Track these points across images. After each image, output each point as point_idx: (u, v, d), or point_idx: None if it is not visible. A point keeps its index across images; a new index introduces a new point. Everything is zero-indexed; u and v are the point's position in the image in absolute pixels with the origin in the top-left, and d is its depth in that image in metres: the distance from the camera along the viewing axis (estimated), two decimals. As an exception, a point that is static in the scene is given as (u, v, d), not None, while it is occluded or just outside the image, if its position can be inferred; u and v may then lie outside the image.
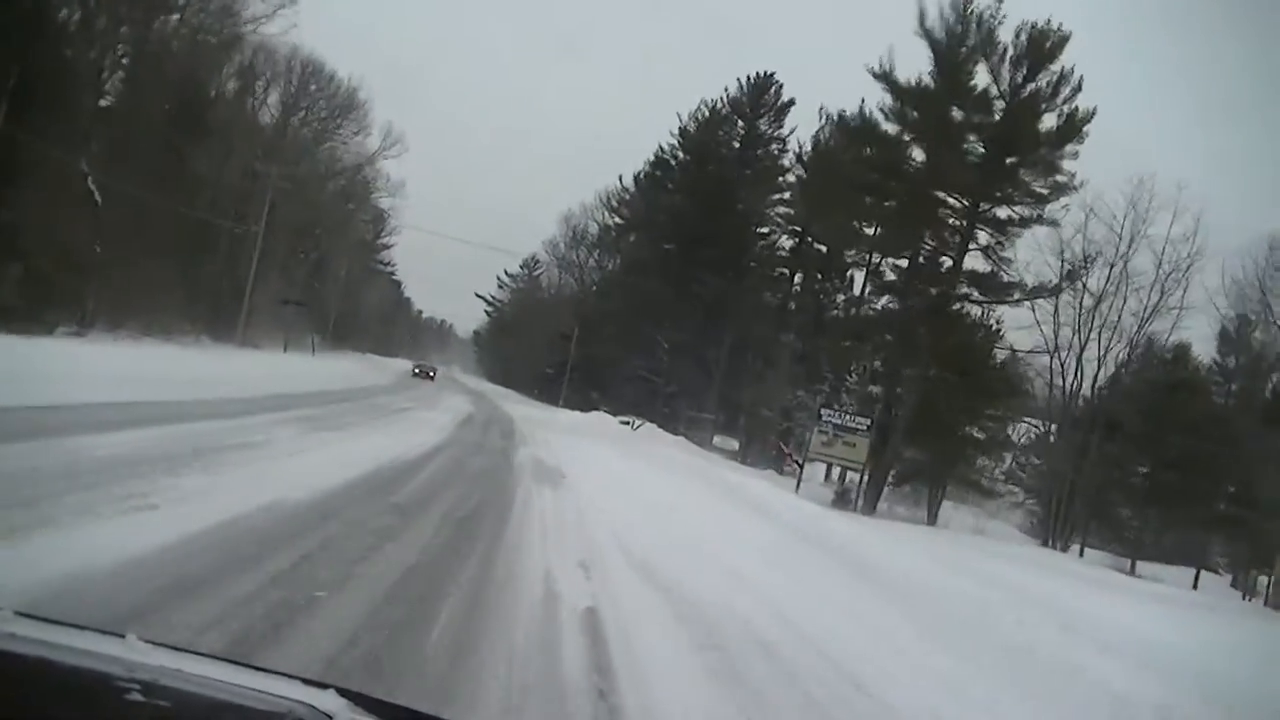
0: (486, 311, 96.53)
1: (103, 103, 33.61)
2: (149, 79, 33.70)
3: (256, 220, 40.56)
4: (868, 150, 32.51)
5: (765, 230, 46.53)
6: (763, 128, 46.41)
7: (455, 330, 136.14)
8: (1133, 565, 31.85)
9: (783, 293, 47.17)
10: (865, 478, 29.21)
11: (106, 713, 1.09)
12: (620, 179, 58.71)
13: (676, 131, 49.38)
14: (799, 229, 45.45)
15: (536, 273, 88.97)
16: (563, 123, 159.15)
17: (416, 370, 52.83)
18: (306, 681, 1.27)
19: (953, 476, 30.35)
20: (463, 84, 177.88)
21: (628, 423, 32.48)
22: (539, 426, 26.30)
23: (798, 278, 46.62)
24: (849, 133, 34.38)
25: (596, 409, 42.45)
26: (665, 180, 50.26)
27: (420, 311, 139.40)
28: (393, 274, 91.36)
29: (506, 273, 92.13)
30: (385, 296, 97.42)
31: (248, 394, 16.73)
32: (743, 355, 44.55)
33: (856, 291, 48.18)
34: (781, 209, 46.55)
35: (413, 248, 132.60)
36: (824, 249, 44.19)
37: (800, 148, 45.08)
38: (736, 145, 46.72)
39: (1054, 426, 35.04)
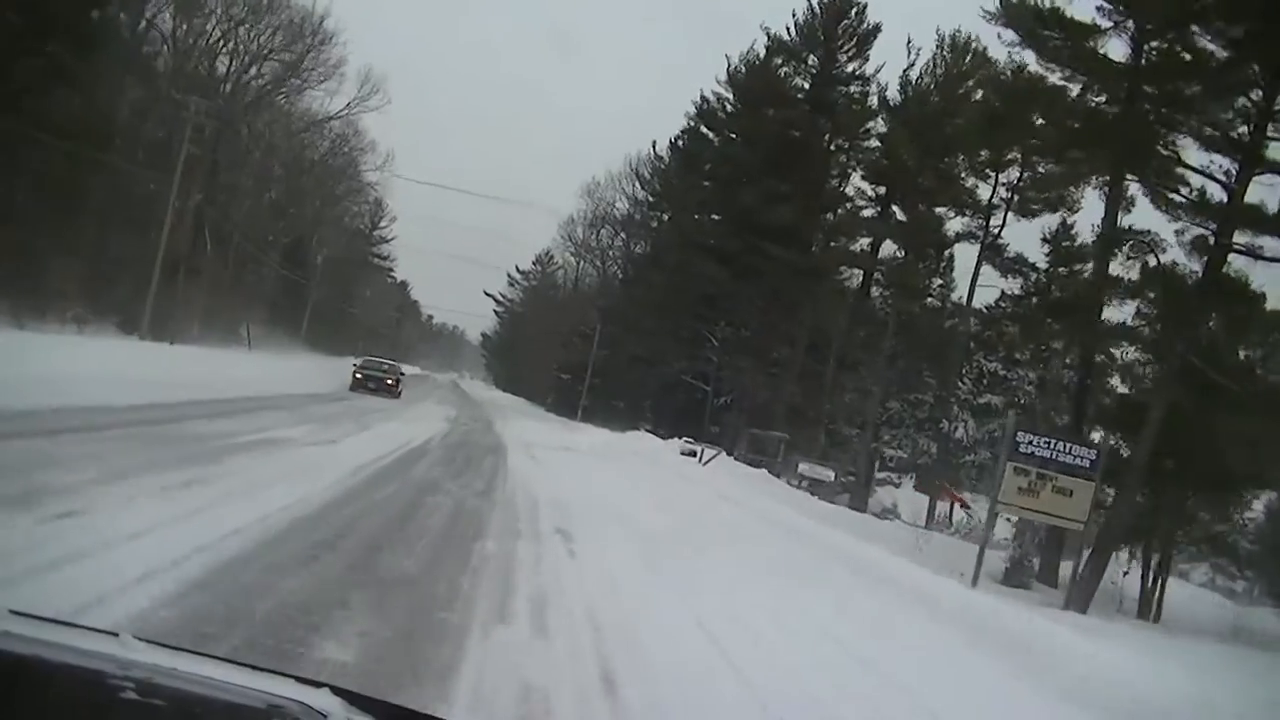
0: (496, 312, 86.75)
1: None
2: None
3: (186, 175, 30.58)
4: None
5: (847, 192, 36.24)
6: (841, 61, 36.15)
7: (467, 337, 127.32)
8: None
9: (864, 273, 36.82)
10: (1037, 537, 19.21)
11: (101, 711, 1.08)
12: (653, 145, 48.69)
13: (725, 77, 39.23)
14: (885, 190, 35.09)
15: (551, 269, 79.22)
16: (575, 100, 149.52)
17: (361, 375, 27.19)
18: (301, 680, 1.25)
19: (1191, 535, 19.91)
20: (466, 68, 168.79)
21: (692, 453, 21.73)
22: (550, 476, 14.84)
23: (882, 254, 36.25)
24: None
25: (636, 428, 32.38)
26: (712, 136, 40.04)
27: (430, 317, 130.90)
28: (391, 270, 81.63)
29: (518, 269, 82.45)
30: (383, 293, 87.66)
31: None
32: (819, 356, 34.23)
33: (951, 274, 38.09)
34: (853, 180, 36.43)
35: (416, 245, 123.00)
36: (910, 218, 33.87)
37: (884, 89, 34.90)
38: (807, 85, 36.47)
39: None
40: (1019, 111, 22.02)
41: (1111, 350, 21.90)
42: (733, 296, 34.25)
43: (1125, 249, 19.23)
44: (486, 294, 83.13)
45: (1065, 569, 19.29)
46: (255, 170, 41.46)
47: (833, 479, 24.70)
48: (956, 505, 25.50)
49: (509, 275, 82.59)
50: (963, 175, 32.95)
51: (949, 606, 9.10)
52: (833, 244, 34.92)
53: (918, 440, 35.05)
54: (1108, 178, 20.51)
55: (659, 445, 22.86)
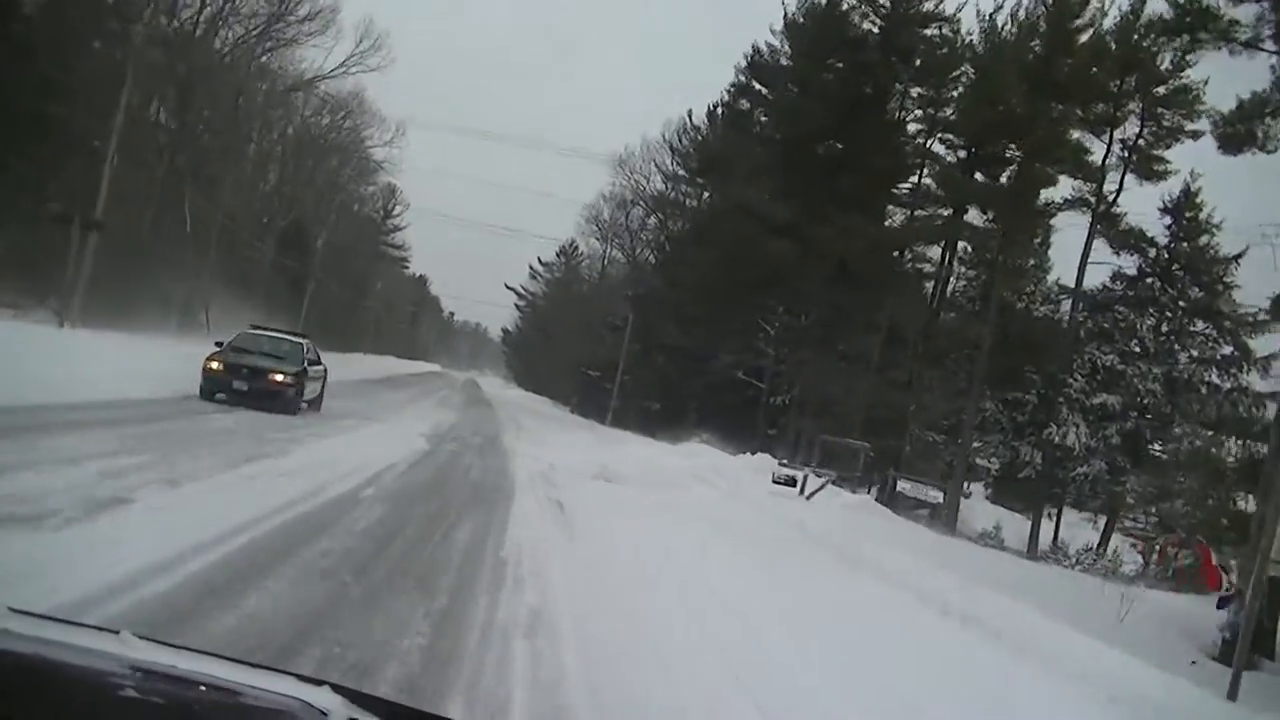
0: (517, 305, 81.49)
1: None
2: None
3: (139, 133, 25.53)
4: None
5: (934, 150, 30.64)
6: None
7: (489, 335, 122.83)
8: None
9: (944, 251, 31.21)
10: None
11: (101, 709, 1.07)
12: (689, 115, 43.18)
13: (780, 26, 33.66)
14: (973, 149, 29.43)
15: (576, 260, 73.97)
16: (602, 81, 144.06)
17: (217, 368, 13.82)
18: (301, 678, 1.25)
19: None
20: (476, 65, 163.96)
21: (790, 480, 15.70)
22: (594, 554, 7.92)
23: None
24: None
25: (682, 435, 26.97)
26: (766, 93, 34.55)
27: (451, 314, 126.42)
28: (405, 261, 76.73)
29: (540, 260, 77.23)
30: (399, 287, 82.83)
31: None
32: (896, 346, 28.66)
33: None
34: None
35: (435, 239, 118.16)
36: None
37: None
38: (877, 29, 30.82)
39: None
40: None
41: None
42: (793, 277, 28.70)
43: None
44: (507, 286, 77.95)
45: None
46: (241, 139, 36.41)
47: (941, 500, 19.10)
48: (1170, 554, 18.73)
49: (530, 267, 77.48)
50: (1069, 130, 27.32)
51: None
52: (918, 212, 29.25)
53: (1016, 448, 29.38)
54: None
55: (731, 466, 17.09)
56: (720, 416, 32.80)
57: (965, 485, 30.65)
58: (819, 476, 16.36)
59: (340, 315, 59.96)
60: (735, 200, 29.39)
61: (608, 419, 39.09)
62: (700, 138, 42.15)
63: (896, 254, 30.21)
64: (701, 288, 30.61)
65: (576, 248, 72.48)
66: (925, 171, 30.96)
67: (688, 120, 43.09)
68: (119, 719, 1.07)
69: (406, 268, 78.30)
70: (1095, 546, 24.53)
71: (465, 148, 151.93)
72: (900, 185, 31.10)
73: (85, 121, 23.62)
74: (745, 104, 35.70)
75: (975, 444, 28.51)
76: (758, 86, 34.82)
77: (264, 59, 33.50)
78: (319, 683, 1.22)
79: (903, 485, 19.21)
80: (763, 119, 34.36)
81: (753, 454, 24.96)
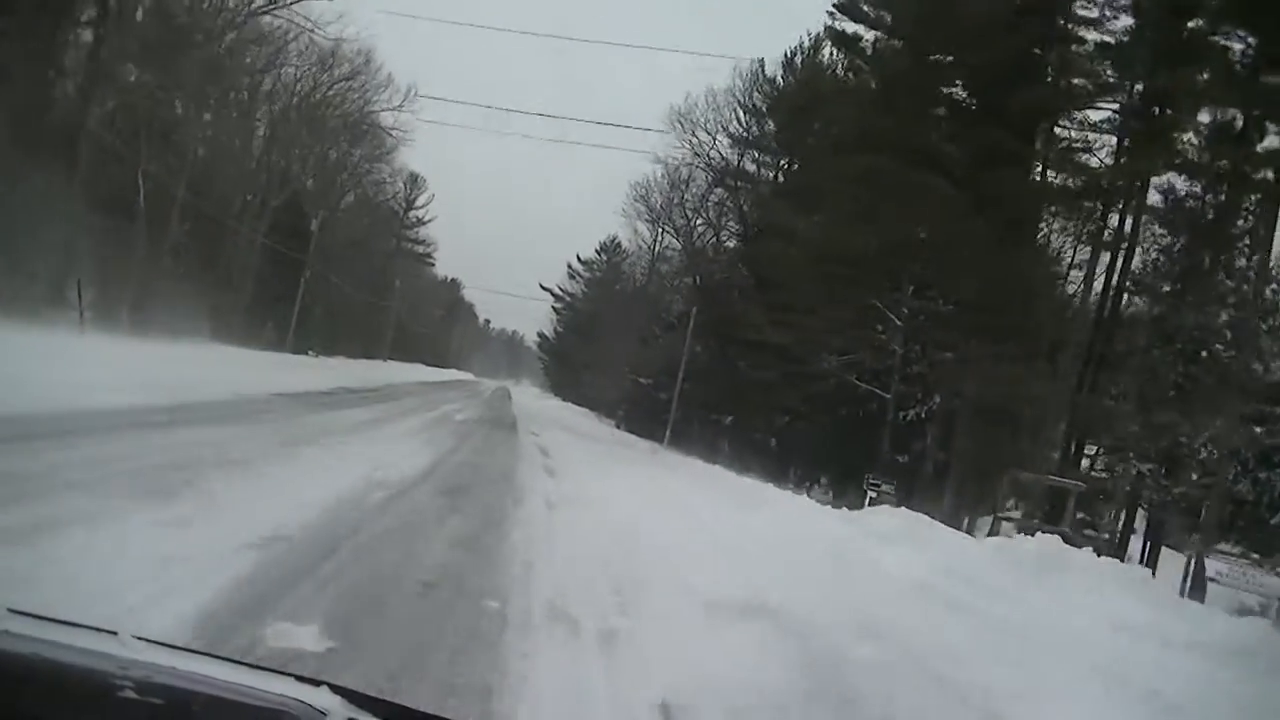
0: (554, 308, 73.95)
1: None
2: None
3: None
4: None
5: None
6: None
7: (526, 342, 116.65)
8: None
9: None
10: None
11: (100, 710, 1.07)
12: (760, 65, 34.94)
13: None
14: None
15: (618, 257, 66.45)
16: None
17: None
18: (300, 678, 1.22)
19: None
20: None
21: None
22: None
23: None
24: None
25: (801, 476, 18.92)
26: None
27: (488, 321, 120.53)
28: (430, 257, 69.41)
29: (579, 258, 69.92)
30: (425, 288, 75.52)
31: None
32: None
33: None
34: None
35: (461, 238, 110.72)
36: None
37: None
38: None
39: None
40: None
41: None
42: (934, 243, 20.40)
43: None
44: (543, 288, 70.43)
45: None
46: (213, 85, 29.01)
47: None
48: None
49: (569, 265, 70.24)
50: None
51: None
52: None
53: (1240, 479, 20.84)
54: None
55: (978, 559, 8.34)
56: (823, 436, 24.57)
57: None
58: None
59: (355, 316, 52.60)
60: (855, 143, 21.08)
61: (665, 437, 30.94)
62: (774, 89, 34.00)
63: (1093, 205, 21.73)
64: (801, 265, 22.28)
65: (619, 244, 64.93)
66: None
67: (759, 70, 34.94)
68: (118, 719, 1.06)
69: (431, 264, 70.90)
70: None
71: (491, 141, 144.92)
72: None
73: None
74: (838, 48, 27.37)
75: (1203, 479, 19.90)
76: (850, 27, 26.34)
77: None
78: (317, 683, 1.18)
79: (1218, 569, 10.80)
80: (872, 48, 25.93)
81: (875, 492, 16.89)
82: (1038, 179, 22.05)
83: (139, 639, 1.17)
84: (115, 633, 1.19)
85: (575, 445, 20.31)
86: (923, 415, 22.12)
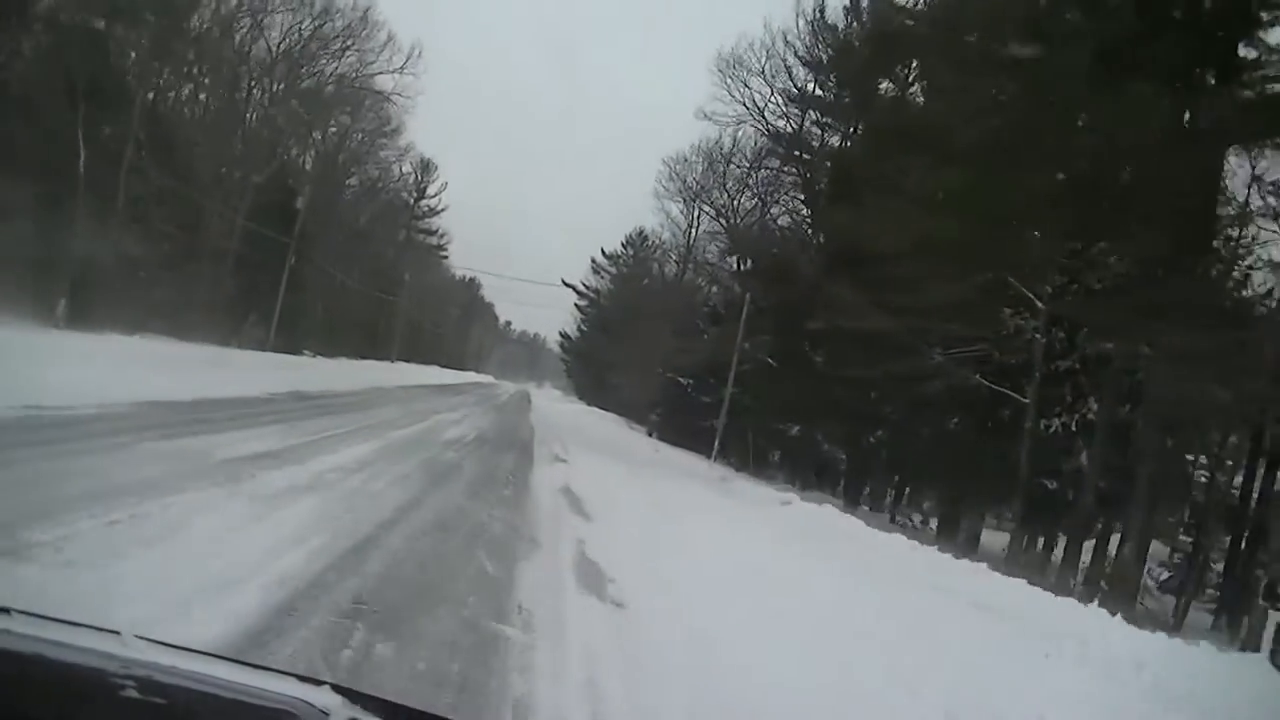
0: (578, 305, 68.84)
1: None
2: None
3: None
4: None
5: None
6: None
7: (548, 345, 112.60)
8: None
9: None
10: None
11: (102, 709, 1.06)
12: (819, 10, 29.44)
13: None
14: None
15: (645, 250, 61.51)
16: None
17: None
18: (302, 678, 1.22)
19: None
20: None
21: None
22: None
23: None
24: None
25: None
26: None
27: (509, 323, 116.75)
28: (443, 249, 64.29)
29: (604, 252, 65.02)
30: (438, 285, 70.53)
31: None
32: None
33: None
34: None
35: (479, 234, 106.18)
36: None
37: None
38: None
39: None
40: None
41: None
42: (1086, 201, 14.89)
43: None
44: (564, 283, 65.14)
45: None
46: (159, 31, 23.98)
47: None
48: None
49: (593, 260, 65.31)
50: None
51: None
52: None
53: None
54: None
55: None
56: (921, 448, 19.09)
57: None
58: None
59: (360, 314, 47.57)
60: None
61: (712, 455, 25.44)
62: (832, 37, 28.53)
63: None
64: (913, 222, 16.70)
65: (645, 236, 59.80)
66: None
67: (815, 16, 29.40)
68: (119, 719, 1.05)
69: (445, 256, 65.84)
70: None
71: (508, 139, 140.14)
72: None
73: None
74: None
75: None
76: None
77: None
78: (319, 683, 1.17)
79: None
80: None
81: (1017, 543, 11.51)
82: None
83: (141, 639, 1.14)
84: (118, 632, 1.15)
85: (609, 470, 14.83)
86: (1073, 426, 16.57)
